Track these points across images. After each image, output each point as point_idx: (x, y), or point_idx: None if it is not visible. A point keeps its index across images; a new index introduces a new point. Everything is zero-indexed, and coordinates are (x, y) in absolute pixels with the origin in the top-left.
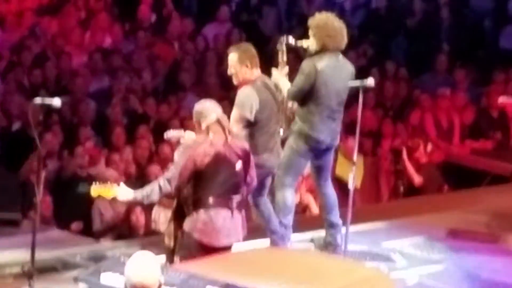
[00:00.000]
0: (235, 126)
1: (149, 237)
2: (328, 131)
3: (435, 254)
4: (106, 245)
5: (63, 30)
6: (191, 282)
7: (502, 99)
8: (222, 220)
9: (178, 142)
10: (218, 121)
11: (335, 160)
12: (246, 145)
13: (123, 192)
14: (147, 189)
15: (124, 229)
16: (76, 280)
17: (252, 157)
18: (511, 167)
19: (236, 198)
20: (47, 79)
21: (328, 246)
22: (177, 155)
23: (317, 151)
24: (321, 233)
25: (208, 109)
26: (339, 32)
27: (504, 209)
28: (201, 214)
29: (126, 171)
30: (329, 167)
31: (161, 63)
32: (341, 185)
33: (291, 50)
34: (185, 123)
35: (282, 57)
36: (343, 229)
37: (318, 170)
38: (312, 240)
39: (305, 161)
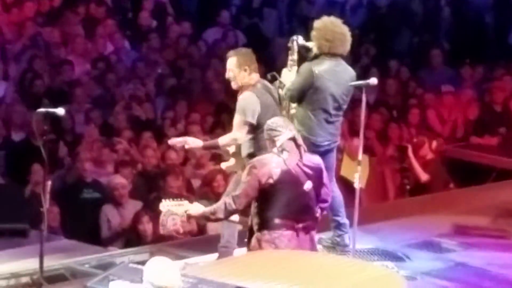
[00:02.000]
0: (239, 132)
1: (157, 244)
2: (326, 135)
3: (444, 251)
4: (115, 253)
5: (64, 39)
6: (201, 286)
7: None
8: (286, 242)
9: (183, 148)
10: (293, 139)
11: (340, 160)
12: (319, 161)
13: (195, 207)
14: (214, 207)
15: (131, 236)
16: None
17: (325, 173)
18: None
19: (304, 219)
20: (49, 88)
21: (336, 246)
22: (243, 175)
23: (317, 154)
24: (328, 234)
25: (282, 126)
26: (338, 37)
27: (511, 204)
28: (265, 235)
29: (134, 179)
30: (332, 168)
31: (164, 69)
32: (347, 185)
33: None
34: (189, 128)
35: (293, 55)
36: (351, 229)
37: None
38: (319, 241)
39: None
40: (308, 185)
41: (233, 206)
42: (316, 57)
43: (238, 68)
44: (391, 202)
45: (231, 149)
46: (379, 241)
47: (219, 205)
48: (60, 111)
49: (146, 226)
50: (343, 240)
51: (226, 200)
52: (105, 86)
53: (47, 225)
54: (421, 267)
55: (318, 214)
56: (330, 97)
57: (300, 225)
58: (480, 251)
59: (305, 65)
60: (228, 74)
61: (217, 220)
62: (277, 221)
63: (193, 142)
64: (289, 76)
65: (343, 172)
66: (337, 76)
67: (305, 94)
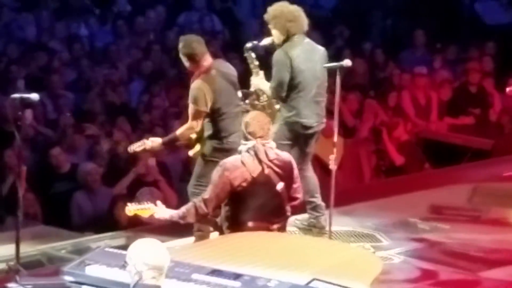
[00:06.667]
0: (194, 121)
1: (133, 229)
2: (314, 115)
3: (419, 231)
4: (91, 238)
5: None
6: (177, 270)
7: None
8: None
9: (144, 150)
10: (254, 148)
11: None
12: (289, 159)
13: (161, 211)
14: (183, 210)
15: (108, 222)
16: (61, 273)
17: (296, 171)
18: (491, 142)
19: (278, 221)
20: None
21: (312, 228)
22: (214, 176)
23: (304, 138)
24: (303, 216)
25: (254, 133)
26: (298, 14)
27: (486, 184)
28: None
29: (106, 163)
30: (312, 153)
31: (137, 53)
32: (322, 167)
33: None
34: (168, 111)
35: (253, 63)
36: (327, 211)
37: (302, 157)
38: (295, 223)
39: (290, 148)
40: (280, 186)
41: (205, 210)
42: (284, 42)
43: (187, 60)
44: (366, 184)
45: (193, 136)
46: (355, 222)
47: (188, 209)
48: (35, 96)
49: (122, 211)
50: (319, 222)
51: (196, 203)
52: (79, 70)
53: (23, 212)
54: (398, 248)
55: (289, 213)
56: (311, 76)
57: (275, 227)
58: (455, 232)
59: (278, 53)
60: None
61: (186, 223)
62: (250, 224)
63: (152, 142)
64: (259, 80)
65: (319, 152)
66: (311, 53)
67: (288, 81)
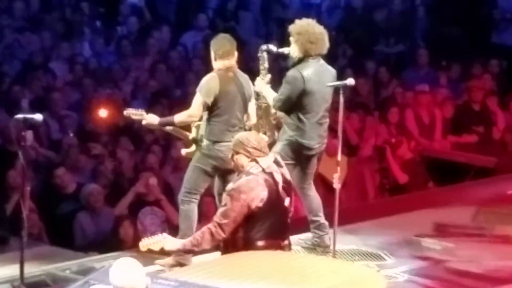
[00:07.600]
0: (195, 110)
1: (138, 249)
2: (317, 137)
3: (424, 250)
4: (95, 258)
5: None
6: None
7: None
8: None
9: (139, 121)
10: (276, 161)
11: (319, 159)
12: (289, 177)
13: (171, 243)
14: (196, 238)
15: (112, 242)
16: None
17: (293, 185)
18: (495, 159)
19: (286, 236)
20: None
21: (317, 247)
22: (228, 200)
23: (306, 158)
24: (307, 236)
25: (265, 147)
26: (321, 37)
27: (490, 202)
28: None
29: (110, 183)
30: (313, 172)
31: (142, 73)
32: (326, 186)
33: (275, 57)
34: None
35: (264, 64)
36: (331, 230)
37: (304, 176)
38: (299, 243)
39: (292, 168)
40: (287, 202)
41: (222, 235)
42: (299, 61)
43: (212, 53)
44: (370, 202)
45: (192, 134)
46: (359, 241)
47: (203, 236)
48: (38, 117)
49: (128, 230)
50: (323, 241)
51: (212, 229)
52: (82, 90)
53: (28, 232)
54: (402, 266)
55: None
56: (320, 98)
57: (286, 243)
58: (460, 250)
59: (292, 72)
60: None
61: (201, 250)
62: (261, 243)
63: (150, 118)
64: (263, 85)
65: (322, 170)
66: (322, 76)
67: (296, 100)
